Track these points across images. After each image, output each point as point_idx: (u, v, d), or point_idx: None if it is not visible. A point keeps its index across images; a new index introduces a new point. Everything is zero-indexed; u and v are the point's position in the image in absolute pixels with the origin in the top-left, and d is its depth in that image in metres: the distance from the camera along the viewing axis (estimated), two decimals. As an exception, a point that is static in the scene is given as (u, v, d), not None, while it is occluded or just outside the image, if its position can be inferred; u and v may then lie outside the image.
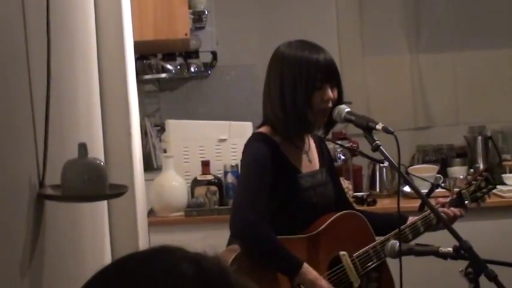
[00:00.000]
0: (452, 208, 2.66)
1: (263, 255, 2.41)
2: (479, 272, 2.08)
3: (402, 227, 2.55)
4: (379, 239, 2.57)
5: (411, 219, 2.62)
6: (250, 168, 2.52)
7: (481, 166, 4.46)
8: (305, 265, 2.39)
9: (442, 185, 2.94)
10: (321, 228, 2.52)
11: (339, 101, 2.53)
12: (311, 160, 2.63)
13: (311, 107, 2.47)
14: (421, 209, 2.67)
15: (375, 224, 2.62)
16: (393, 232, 2.52)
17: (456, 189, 2.80)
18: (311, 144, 2.67)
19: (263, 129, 2.58)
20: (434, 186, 2.82)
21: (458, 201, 2.71)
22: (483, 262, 2.09)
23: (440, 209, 2.62)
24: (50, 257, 1.62)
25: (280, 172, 2.50)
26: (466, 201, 2.71)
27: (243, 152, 2.58)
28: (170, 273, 0.93)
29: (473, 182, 2.75)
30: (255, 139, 2.57)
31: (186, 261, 0.94)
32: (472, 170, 2.83)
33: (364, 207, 3.83)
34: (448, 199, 2.73)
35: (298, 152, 2.60)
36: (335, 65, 2.54)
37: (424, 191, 3.14)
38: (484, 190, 2.75)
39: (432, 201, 2.67)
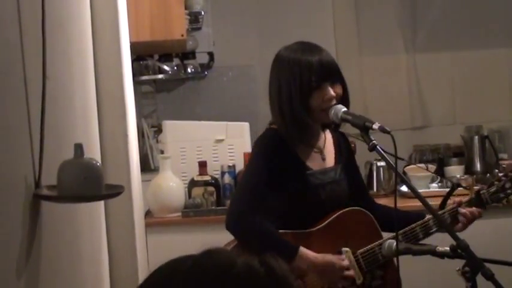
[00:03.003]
0: (468, 208, 2.61)
1: (258, 245, 2.41)
2: (476, 271, 2.08)
3: (413, 225, 2.54)
4: (386, 235, 2.55)
5: (429, 217, 2.57)
6: (253, 165, 2.56)
7: (478, 166, 4.47)
8: (301, 249, 2.40)
9: (463, 185, 2.89)
10: (323, 224, 2.52)
11: (345, 97, 2.52)
12: (325, 157, 2.62)
13: (310, 109, 2.46)
14: (441, 206, 2.65)
15: (392, 220, 2.59)
16: (402, 230, 2.50)
17: (476, 189, 2.74)
18: (327, 140, 2.66)
19: (274, 125, 2.58)
20: (454, 185, 2.77)
21: (476, 202, 2.65)
22: (480, 261, 2.08)
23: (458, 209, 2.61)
24: (47, 258, 1.62)
25: (288, 169, 2.51)
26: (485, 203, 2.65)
27: (253, 145, 2.64)
28: (248, 273, 1.06)
29: (496, 183, 2.67)
30: (265, 135, 2.58)
31: (258, 262, 1.08)
32: (496, 171, 2.75)
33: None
34: (465, 199, 2.69)
35: (309, 149, 2.59)
36: (332, 63, 2.53)
37: (426, 193, 3.11)
38: (509, 191, 2.65)
39: (450, 201, 2.65)
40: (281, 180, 2.49)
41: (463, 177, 3.89)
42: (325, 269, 2.43)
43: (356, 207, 2.61)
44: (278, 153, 2.50)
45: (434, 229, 2.57)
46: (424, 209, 2.43)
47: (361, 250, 2.51)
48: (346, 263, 2.46)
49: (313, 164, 2.58)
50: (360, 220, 2.59)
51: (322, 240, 2.50)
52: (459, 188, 2.79)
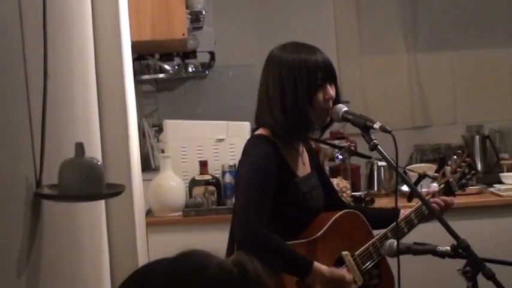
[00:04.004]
0: (443, 197, 2.68)
1: (273, 263, 2.36)
2: (477, 270, 2.07)
3: (398, 220, 2.55)
4: (376, 234, 2.57)
5: (403, 212, 2.63)
6: (256, 174, 2.44)
7: (479, 165, 4.48)
8: (315, 264, 2.39)
9: (430, 174, 2.95)
10: (322, 231, 2.50)
11: (337, 99, 2.53)
12: (305, 163, 2.62)
13: (313, 106, 2.46)
14: (409, 199, 2.73)
15: (368, 219, 2.63)
16: (390, 226, 2.53)
17: (444, 178, 2.81)
18: (302, 147, 2.66)
19: (262, 132, 2.53)
20: (421, 176, 2.83)
21: (447, 190, 2.73)
22: (481, 261, 2.08)
23: (432, 200, 2.64)
24: (47, 257, 1.62)
25: (281, 176, 2.47)
26: (455, 190, 2.75)
27: (245, 154, 2.52)
28: (221, 275, 1.05)
29: (458, 170, 2.77)
30: (258, 142, 2.50)
31: (232, 263, 1.07)
32: (455, 157, 2.85)
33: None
34: (437, 188, 2.74)
35: (295, 156, 2.57)
36: (332, 63, 2.54)
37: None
38: (468, 176, 2.78)
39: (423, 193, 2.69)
40: (275, 188, 2.44)
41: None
42: (336, 283, 2.42)
43: (347, 210, 2.62)
44: (273, 160, 2.47)
45: (416, 222, 2.62)
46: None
47: (358, 251, 2.52)
48: (351, 277, 2.47)
49: (299, 170, 2.57)
50: (352, 222, 2.59)
51: (322, 248, 2.49)
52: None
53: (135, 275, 1.09)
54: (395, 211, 2.60)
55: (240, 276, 1.06)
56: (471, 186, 2.86)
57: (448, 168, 2.81)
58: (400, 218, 2.58)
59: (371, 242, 2.53)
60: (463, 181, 2.77)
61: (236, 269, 1.06)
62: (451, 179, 2.75)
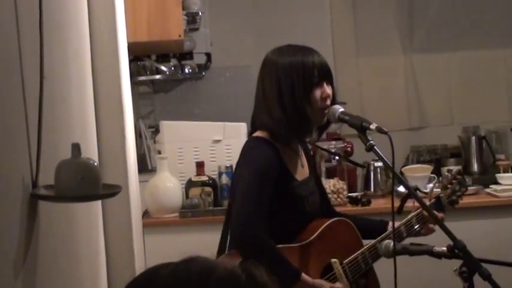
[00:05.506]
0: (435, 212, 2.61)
1: (261, 262, 2.35)
2: (473, 271, 2.08)
3: (385, 234, 2.56)
4: (366, 243, 2.56)
5: (391, 224, 2.53)
6: (256, 176, 2.43)
7: (475, 166, 4.49)
8: (302, 275, 2.38)
9: (422, 189, 2.87)
10: (313, 236, 2.49)
11: (333, 99, 2.53)
12: (303, 166, 2.61)
13: (311, 104, 2.47)
14: (399, 211, 2.65)
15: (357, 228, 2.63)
16: (380, 237, 2.53)
17: (435, 193, 2.77)
18: (300, 150, 2.65)
19: (261, 134, 2.51)
20: (412, 190, 2.71)
21: (437, 205, 2.69)
22: (477, 261, 2.09)
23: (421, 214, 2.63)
24: (44, 258, 1.62)
25: (280, 179, 2.47)
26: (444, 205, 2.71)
27: (245, 156, 2.50)
28: (229, 280, 1.05)
29: (449, 186, 2.74)
30: (258, 144, 2.49)
31: (240, 268, 1.07)
32: (447, 173, 2.82)
33: (358, 208, 3.84)
34: (428, 203, 2.66)
35: (294, 158, 2.56)
36: (328, 65, 2.55)
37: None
38: (459, 193, 2.75)
39: (409, 206, 2.67)
40: (273, 191, 2.44)
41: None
42: None
43: (339, 218, 2.62)
44: (273, 163, 2.46)
45: (405, 235, 2.60)
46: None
47: (347, 260, 2.51)
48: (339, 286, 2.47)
49: (298, 173, 2.56)
50: (343, 230, 2.59)
51: (312, 254, 2.48)
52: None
53: (140, 278, 1.08)
54: (382, 223, 2.62)
55: (247, 281, 1.05)
56: (461, 201, 2.81)
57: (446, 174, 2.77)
58: (389, 231, 2.56)
59: (360, 251, 2.52)
60: (453, 197, 2.73)
61: (244, 274, 1.06)
62: (441, 195, 2.72)
